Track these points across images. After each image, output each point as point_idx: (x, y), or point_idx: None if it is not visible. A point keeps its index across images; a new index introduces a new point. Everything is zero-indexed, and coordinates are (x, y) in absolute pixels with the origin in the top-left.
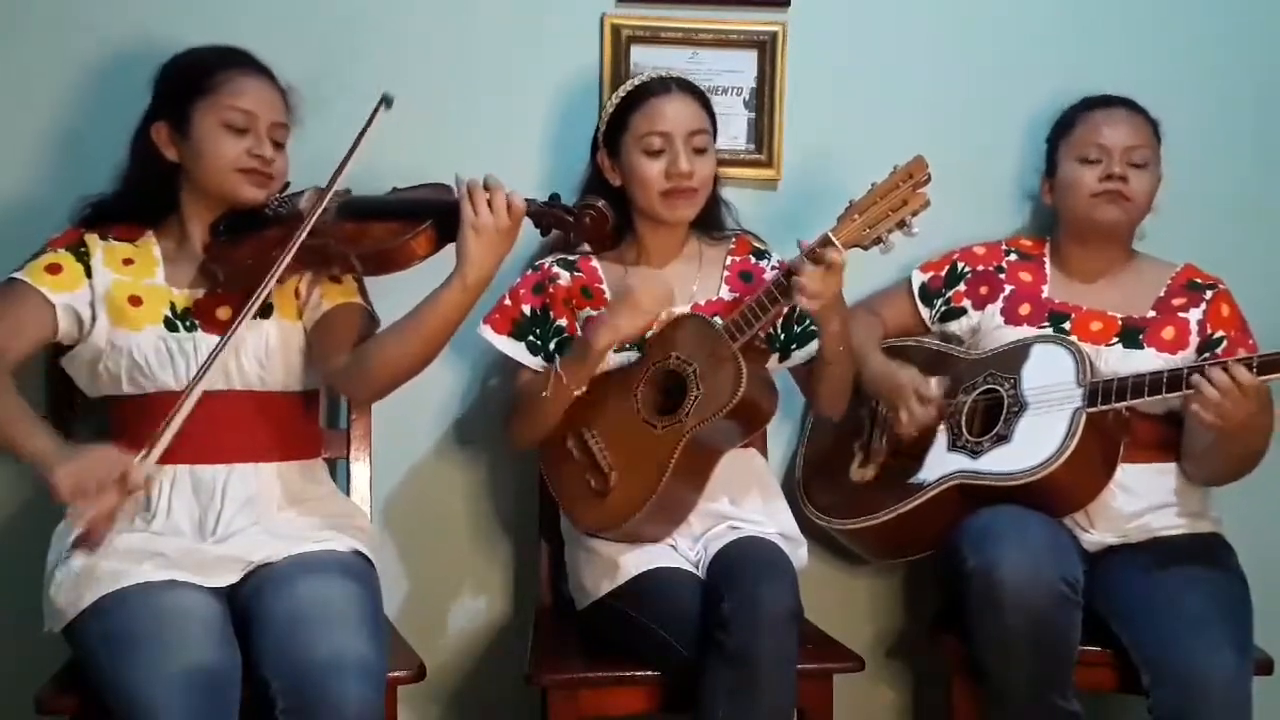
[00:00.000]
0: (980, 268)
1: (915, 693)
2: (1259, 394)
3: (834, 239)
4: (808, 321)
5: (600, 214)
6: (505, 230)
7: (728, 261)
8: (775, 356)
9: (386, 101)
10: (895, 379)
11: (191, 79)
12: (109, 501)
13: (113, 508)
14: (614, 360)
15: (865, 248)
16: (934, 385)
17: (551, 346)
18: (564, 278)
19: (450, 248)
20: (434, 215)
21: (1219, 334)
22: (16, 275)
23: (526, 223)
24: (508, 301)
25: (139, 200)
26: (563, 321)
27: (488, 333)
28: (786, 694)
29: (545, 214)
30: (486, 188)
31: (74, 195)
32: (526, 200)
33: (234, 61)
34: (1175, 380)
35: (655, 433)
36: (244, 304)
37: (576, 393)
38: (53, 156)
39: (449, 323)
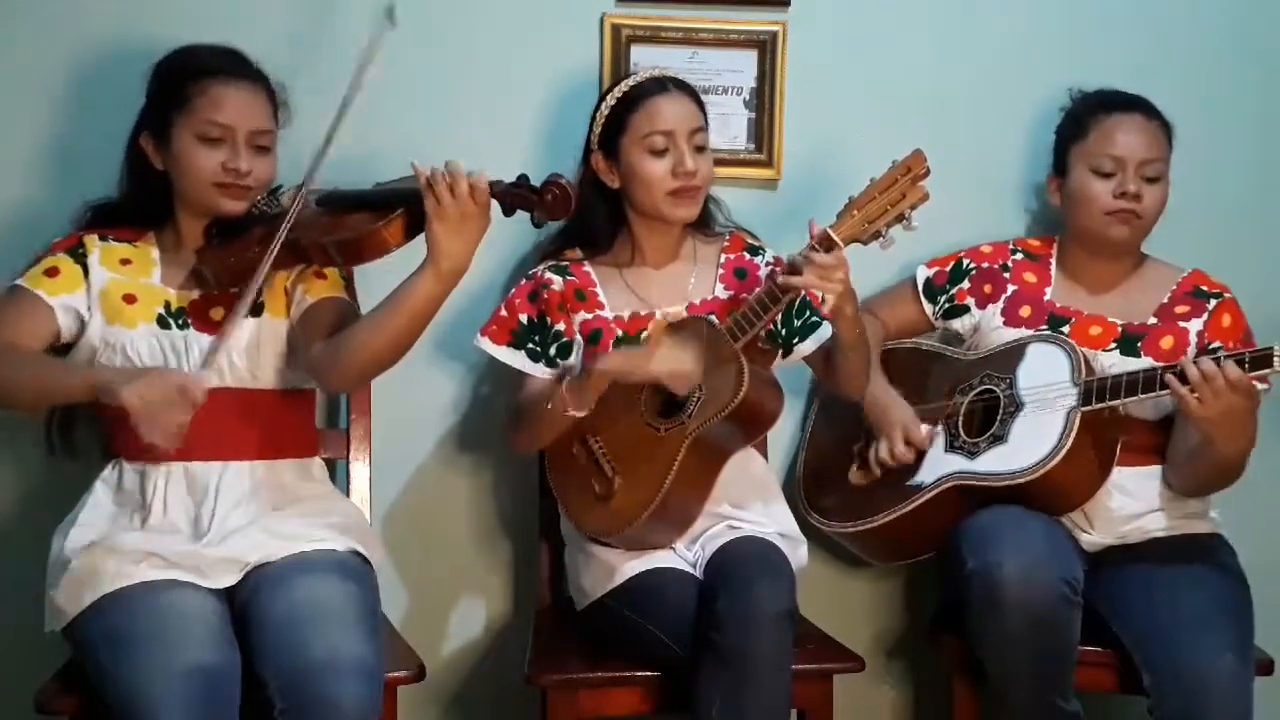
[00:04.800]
0: (985, 265)
1: (915, 693)
2: (1244, 390)
3: (833, 235)
4: (808, 314)
5: (563, 191)
6: (472, 215)
7: (722, 259)
8: (779, 353)
9: (389, 13)
10: (889, 413)
11: (172, 89)
12: (178, 416)
13: (181, 424)
14: None
15: (865, 242)
16: (924, 431)
17: (552, 352)
18: (557, 283)
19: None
20: (406, 203)
21: (1216, 344)
22: (17, 282)
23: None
24: (504, 312)
25: (136, 206)
26: (560, 326)
27: (486, 344)
28: (781, 693)
29: (509, 194)
30: (447, 174)
31: (75, 199)
32: (490, 182)
33: (215, 68)
34: (1169, 376)
35: (659, 436)
36: (235, 304)
37: (578, 415)
38: (53, 161)
39: (422, 314)
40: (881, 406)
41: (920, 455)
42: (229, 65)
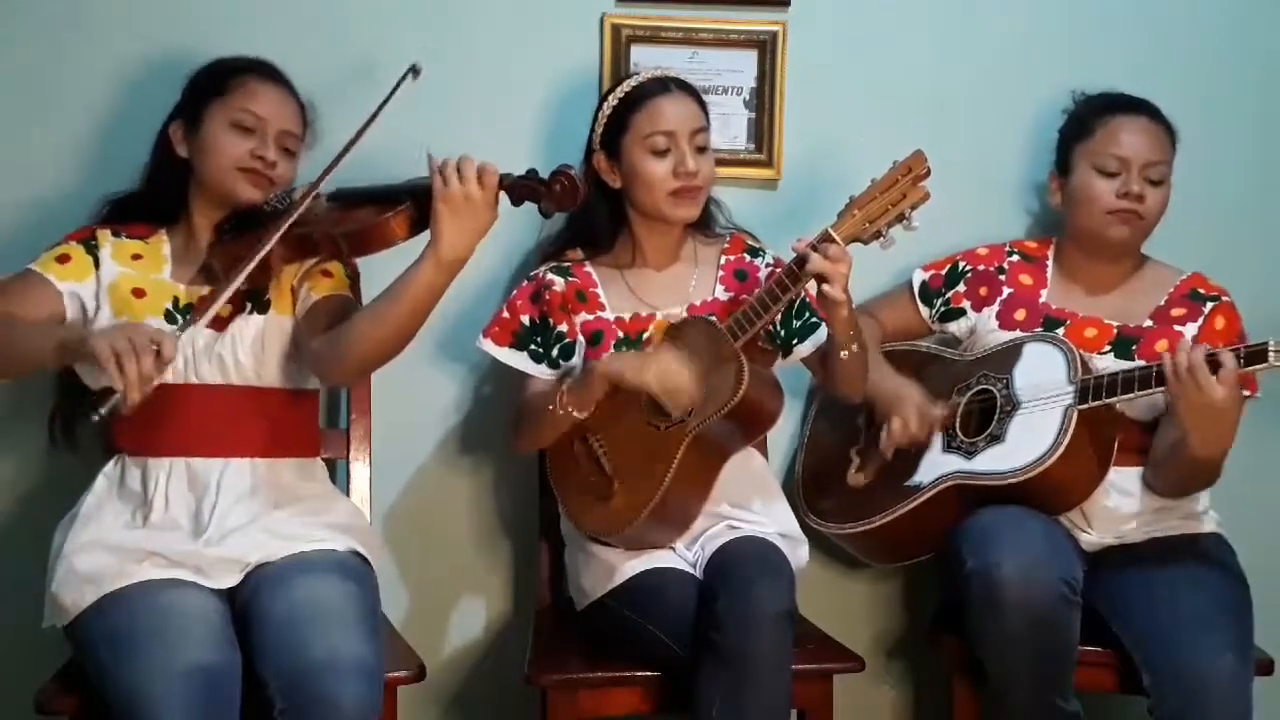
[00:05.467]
0: (981, 268)
1: (915, 693)
2: (1228, 386)
3: (834, 234)
4: (807, 315)
5: (572, 181)
6: (478, 202)
7: (722, 261)
8: (779, 353)
9: (414, 71)
10: (900, 391)
11: (210, 82)
12: (146, 365)
13: (149, 373)
14: None
15: (865, 242)
16: (939, 409)
17: (554, 353)
18: (559, 283)
19: None
20: (414, 197)
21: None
22: (30, 266)
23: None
24: (506, 314)
25: (152, 197)
26: (563, 327)
27: (489, 345)
28: (781, 694)
29: (517, 185)
30: (458, 162)
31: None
32: (500, 175)
33: (255, 69)
34: (1164, 373)
35: (659, 434)
36: (243, 301)
37: (579, 416)
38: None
39: (422, 303)
40: (890, 391)
41: (925, 448)
42: (267, 69)
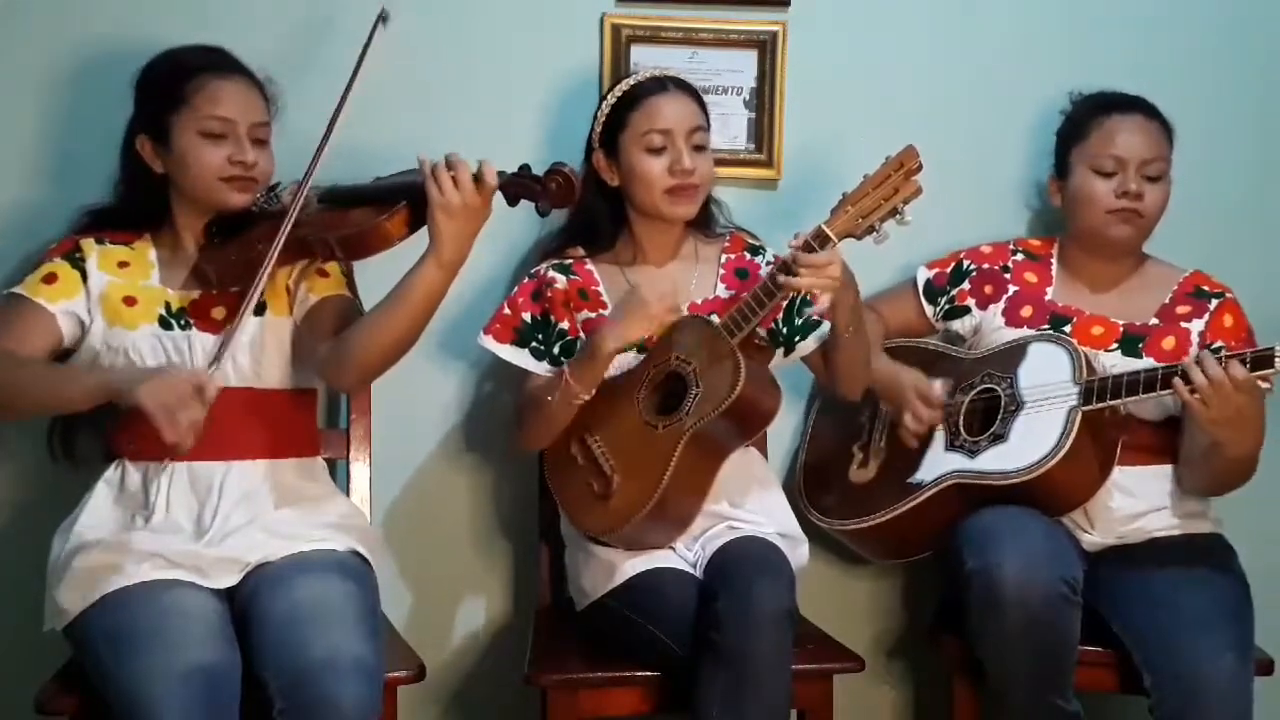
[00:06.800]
0: (986, 266)
1: (915, 693)
2: (1249, 390)
3: (827, 230)
4: (810, 313)
5: (567, 179)
6: (476, 207)
7: (723, 259)
8: (780, 351)
9: (383, 18)
10: (898, 380)
11: (167, 90)
12: (195, 414)
13: (197, 419)
14: (616, 365)
15: (859, 237)
16: (937, 386)
17: (556, 350)
18: (560, 281)
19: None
20: (408, 196)
21: (1218, 344)
22: (15, 290)
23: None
24: (507, 311)
25: (134, 209)
26: (564, 324)
27: (490, 343)
28: (781, 693)
29: (512, 184)
30: (450, 165)
31: (72, 201)
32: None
33: (207, 66)
34: (1170, 377)
35: (656, 434)
36: (238, 303)
37: (585, 397)
38: (50, 163)
39: (427, 304)
40: (889, 378)
41: (926, 443)
42: (220, 61)
